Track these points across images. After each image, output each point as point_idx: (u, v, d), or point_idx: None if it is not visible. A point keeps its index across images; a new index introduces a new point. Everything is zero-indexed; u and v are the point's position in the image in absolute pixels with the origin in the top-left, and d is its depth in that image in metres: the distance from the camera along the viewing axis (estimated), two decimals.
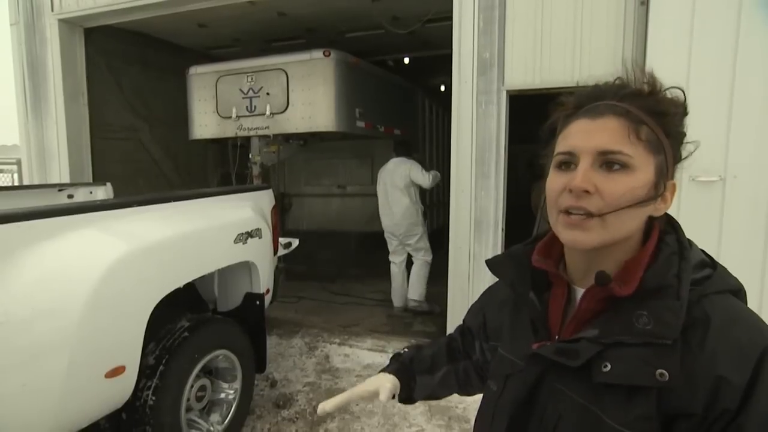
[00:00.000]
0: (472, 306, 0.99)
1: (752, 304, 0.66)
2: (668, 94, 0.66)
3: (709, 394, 0.57)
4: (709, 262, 0.67)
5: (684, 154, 0.69)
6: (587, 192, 0.63)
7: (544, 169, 0.72)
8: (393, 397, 0.93)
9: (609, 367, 0.61)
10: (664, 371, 0.57)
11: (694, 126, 0.71)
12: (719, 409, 0.56)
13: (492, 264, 0.84)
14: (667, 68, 2.71)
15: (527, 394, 0.71)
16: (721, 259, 0.69)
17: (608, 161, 0.63)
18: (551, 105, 0.73)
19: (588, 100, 0.68)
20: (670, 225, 0.70)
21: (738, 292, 0.66)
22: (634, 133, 0.62)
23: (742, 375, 0.56)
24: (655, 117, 0.64)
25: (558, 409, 0.66)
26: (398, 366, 0.98)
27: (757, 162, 2.75)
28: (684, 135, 0.68)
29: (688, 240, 0.68)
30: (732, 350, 0.58)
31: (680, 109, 0.66)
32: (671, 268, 0.64)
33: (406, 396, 0.97)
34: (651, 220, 0.68)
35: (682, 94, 0.67)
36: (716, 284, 0.64)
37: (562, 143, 0.68)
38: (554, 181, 0.68)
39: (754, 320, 0.62)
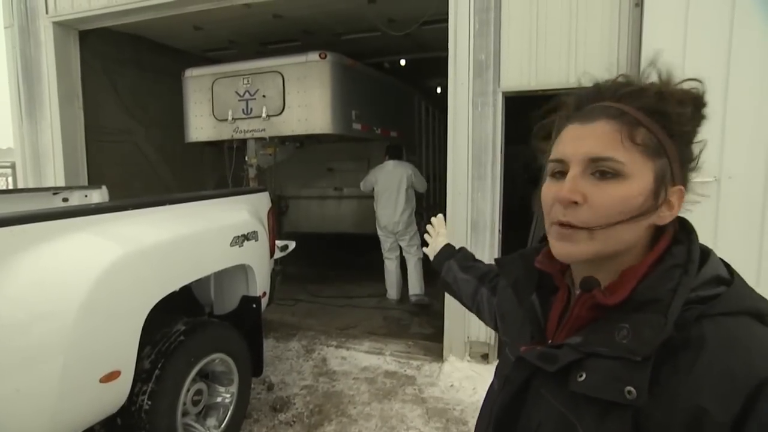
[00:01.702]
0: (506, 258, 0.86)
1: None
2: (677, 90, 0.61)
3: (688, 428, 0.51)
4: (726, 279, 0.59)
5: (695, 153, 0.63)
6: (575, 203, 0.59)
7: (541, 171, 0.70)
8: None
9: (584, 377, 0.58)
10: (632, 389, 0.53)
11: None
12: None
13: (501, 263, 0.83)
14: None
15: (511, 397, 0.69)
16: None
17: (600, 169, 0.59)
18: (550, 104, 0.70)
19: (587, 100, 0.65)
20: (685, 234, 0.63)
21: (762, 315, 0.55)
22: (627, 136, 0.58)
23: (727, 410, 0.49)
24: (656, 117, 0.59)
25: (539, 415, 0.65)
26: (449, 244, 1.35)
27: (752, 163, 2.76)
28: (691, 134, 0.62)
29: (706, 252, 0.61)
30: (721, 380, 0.51)
31: (687, 107, 0.60)
32: (669, 281, 0.58)
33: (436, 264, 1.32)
34: (661, 228, 0.62)
35: (698, 88, 0.61)
36: (725, 305, 0.56)
37: (555, 150, 0.65)
38: (546, 190, 0.65)
39: (761, 349, 0.52)
